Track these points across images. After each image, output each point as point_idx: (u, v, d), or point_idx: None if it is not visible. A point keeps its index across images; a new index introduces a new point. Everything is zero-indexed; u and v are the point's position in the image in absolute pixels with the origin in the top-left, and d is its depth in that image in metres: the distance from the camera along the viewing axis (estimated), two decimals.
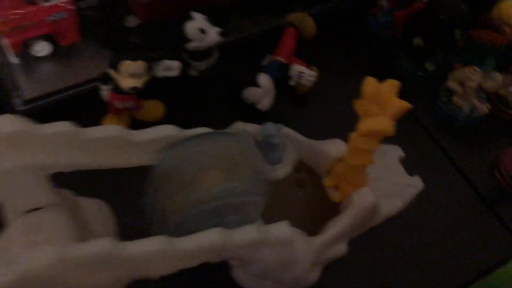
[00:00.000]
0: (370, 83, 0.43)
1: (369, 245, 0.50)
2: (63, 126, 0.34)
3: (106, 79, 0.47)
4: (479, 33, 0.58)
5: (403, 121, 0.56)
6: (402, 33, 0.63)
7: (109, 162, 0.37)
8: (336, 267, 0.48)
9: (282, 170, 0.47)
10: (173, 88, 0.55)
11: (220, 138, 0.41)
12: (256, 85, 0.53)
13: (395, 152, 0.55)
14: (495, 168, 0.55)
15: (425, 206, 0.53)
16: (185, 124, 0.42)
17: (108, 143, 0.36)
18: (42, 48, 0.51)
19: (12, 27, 0.47)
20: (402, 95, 0.60)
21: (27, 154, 0.33)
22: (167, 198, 0.37)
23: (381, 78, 0.62)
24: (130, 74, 0.45)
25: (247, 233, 0.36)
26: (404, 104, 0.42)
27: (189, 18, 0.48)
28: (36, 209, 0.35)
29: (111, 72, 0.45)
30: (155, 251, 0.32)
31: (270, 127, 0.48)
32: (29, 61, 0.51)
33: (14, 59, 0.50)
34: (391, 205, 0.51)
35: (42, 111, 0.50)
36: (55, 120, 0.34)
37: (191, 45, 0.48)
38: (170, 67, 0.47)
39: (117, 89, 0.47)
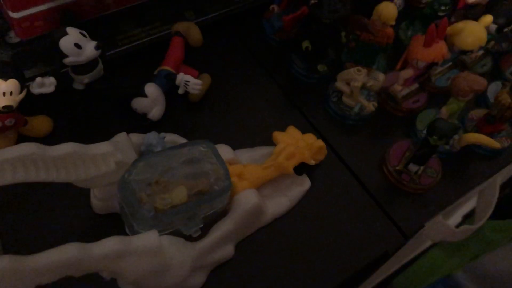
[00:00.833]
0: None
1: (257, 246, 0.51)
2: None
3: None
4: (365, 34, 0.61)
5: (294, 122, 0.59)
6: (295, 36, 0.65)
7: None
8: (223, 270, 0.49)
9: None
10: (61, 102, 0.55)
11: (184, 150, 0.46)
12: (143, 95, 0.54)
13: None
14: (383, 164, 0.58)
15: (314, 204, 0.55)
16: (77, 138, 0.43)
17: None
18: None
19: None
20: (296, 97, 0.63)
21: None
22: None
23: (277, 80, 0.65)
24: (1, 93, 0.45)
25: (106, 246, 0.37)
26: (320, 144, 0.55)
27: (64, 33, 0.48)
28: None
29: None
30: (2, 270, 0.33)
31: (151, 137, 0.49)
32: None
33: None
34: (278, 205, 0.53)
35: None
36: None
37: (68, 61, 0.48)
38: (44, 84, 0.47)
39: None
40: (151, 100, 0.54)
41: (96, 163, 0.43)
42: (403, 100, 0.62)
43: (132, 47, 0.60)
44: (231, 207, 0.49)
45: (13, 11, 0.48)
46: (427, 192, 0.57)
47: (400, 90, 0.61)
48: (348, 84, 0.58)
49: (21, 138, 0.52)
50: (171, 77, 0.54)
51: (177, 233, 0.44)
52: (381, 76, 0.58)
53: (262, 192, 0.52)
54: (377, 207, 0.56)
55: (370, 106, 0.59)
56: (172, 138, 0.52)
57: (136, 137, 0.49)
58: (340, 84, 0.59)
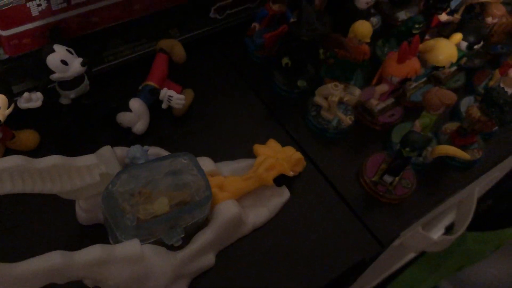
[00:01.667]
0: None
1: (237, 255, 0.53)
2: None
3: None
4: (342, 52, 0.63)
5: (276, 135, 0.61)
6: (276, 53, 0.67)
7: None
8: (204, 278, 0.51)
9: None
10: (48, 117, 0.57)
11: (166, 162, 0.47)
12: (127, 109, 0.56)
13: None
14: (360, 175, 0.60)
15: (294, 214, 0.57)
16: (63, 151, 0.45)
17: None
18: None
19: None
20: (277, 111, 0.65)
21: None
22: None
23: (259, 95, 0.67)
24: None
25: (89, 254, 0.38)
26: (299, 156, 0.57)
27: (51, 50, 0.50)
28: None
29: None
30: None
31: (135, 150, 0.51)
32: None
33: None
34: (258, 215, 0.55)
35: None
36: None
37: (54, 77, 0.50)
38: (31, 99, 0.49)
39: None
40: (136, 114, 0.56)
41: (81, 175, 0.45)
42: (379, 114, 0.65)
43: (118, 63, 0.62)
44: (212, 217, 0.51)
45: (2, 29, 0.50)
46: (402, 202, 0.60)
47: (376, 104, 0.64)
48: (326, 98, 0.61)
49: (9, 152, 0.54)
50: (155, 92, 0.56)
51: (159, 243, 0.46)
52: (357, 91, 0.60)
53: (242, 203, 0.54)
54: (354, 217, 0.58)
55: (347, 119, 0.62)
56: (155, 151, 0.54)
57: (120, 150, 0.51)
58: (318, 99, 0.62)
